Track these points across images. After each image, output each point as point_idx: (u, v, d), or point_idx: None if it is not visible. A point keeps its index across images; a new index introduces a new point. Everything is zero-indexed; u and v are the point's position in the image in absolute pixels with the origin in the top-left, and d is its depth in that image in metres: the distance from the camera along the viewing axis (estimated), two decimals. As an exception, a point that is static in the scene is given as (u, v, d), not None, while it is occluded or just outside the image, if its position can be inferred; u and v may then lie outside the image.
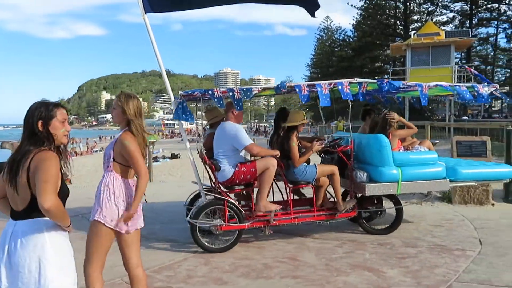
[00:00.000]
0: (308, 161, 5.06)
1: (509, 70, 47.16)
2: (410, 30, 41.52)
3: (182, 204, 5.39)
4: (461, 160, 5.86)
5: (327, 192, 5.21)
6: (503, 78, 52.96)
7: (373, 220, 5.40)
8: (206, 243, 4.61)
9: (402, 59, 39.51)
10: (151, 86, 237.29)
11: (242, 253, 4.58)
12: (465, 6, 42.62)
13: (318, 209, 4.96)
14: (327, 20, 57.58)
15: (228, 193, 4.78)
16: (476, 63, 38.64)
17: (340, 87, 4.69)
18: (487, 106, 49.59)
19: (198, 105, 5.79)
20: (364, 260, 4.27)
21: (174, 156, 22.70)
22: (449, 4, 42.33)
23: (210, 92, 4.74)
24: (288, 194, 4.96)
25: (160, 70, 5.17)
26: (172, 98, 4.99)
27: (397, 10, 45.54)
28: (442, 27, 34.03)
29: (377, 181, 4.86)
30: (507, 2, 40.58)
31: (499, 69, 53.12)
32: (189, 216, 4.63)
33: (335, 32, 56.97)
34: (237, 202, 4.83)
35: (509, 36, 43.36)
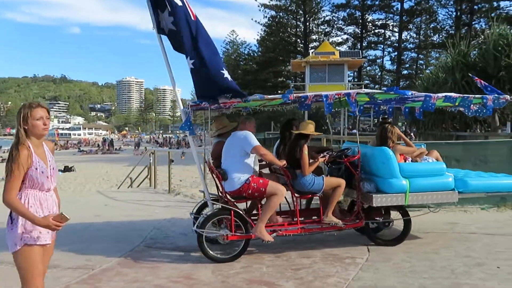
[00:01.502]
0: (319, 172, 5.07)
1: (393, 89, 52.58)
2: (309, 48, 44.17)
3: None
4: (470, 172, 5.79)
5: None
6: (388, 97, 59.05)
7: (381, 231, 5.34)
8: (213, 253, 4.56)
9: (302, 75, 41.82)
10: (43, 92, 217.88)
11: (132, 276, 4.23)
12: (357, 30, 46.78)
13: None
14: (232, 34, 58.62)
15: (234, 203, 4.72)
16: (366, 81, 42.48)
17: (347, 98, 4.68)
18: (375, 121, 54.65)
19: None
20: (261, 274, 4.22)
21: (67, 169, 20.91)
22: (343, 27, 46.12)
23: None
24: (295, 204, 4.89)
25: (172, 86, 5.26)
26: (181, 107, 4.99)
27: (297, 29, 48.21)
28: (338, 47, 36.84)
29: (385, 192, 4.84)
30: (391, 29, 45.41)
31: (384, 88, 59.07)
32: (195, 225, 4.57)
33: (240, 46, 58.16)
34: (244, 212, 4.75)
35: (393, 59, 48.57)
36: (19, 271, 2.50)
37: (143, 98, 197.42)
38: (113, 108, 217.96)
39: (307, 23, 46.65)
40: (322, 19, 48.27)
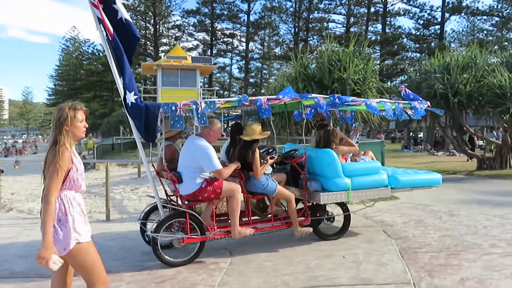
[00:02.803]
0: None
1: (241, 96, 55.49)
2: (160, 52, 43.34)
3: None
4: (396, 169, 6.12)
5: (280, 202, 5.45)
6: (237, 103, 62.08)
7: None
8: (168, 257, 4.52)
9: (153, 78, 40.73)
10: None
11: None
12: (207, 37, 47.88)
13: (275, 219, 5.14)
14: (73, 30, 53.65)
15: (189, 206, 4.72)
16: (217, 88, 43.79)
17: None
18: (225, 126, 56.70)
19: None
20: (121, 293, 3.87)
21: None
22: (193, 33, 46.66)
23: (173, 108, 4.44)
24: (248, 204, 5.02)
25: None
26: None
27: (147, 31, 46.85)
28: (189, 53, 37.03)
29: (330, 190, 5.07)
30: (239, 38, 47.81)
31: (233, 95, 61.87)
32: (150, 229, 4.53)
33: (83, 44, 53.62)
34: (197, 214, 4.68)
35: (241, 67, 51.24)
36: (81, 270, 2.54)
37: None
38: None
39: (157, 26, 45.80)
40: (173, 23, 48.09)
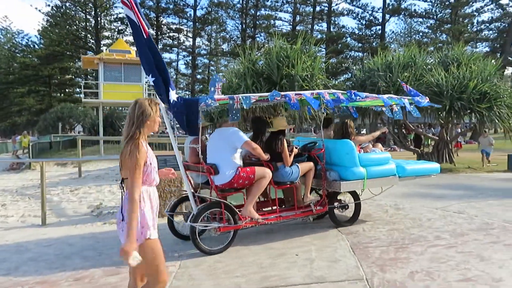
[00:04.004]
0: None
1: (188, 93, 54.51)
2: (102, 45, 41.47)
3: None
4: (398, 160, 6.45)
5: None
6: (184, 99, 61.08)
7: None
8: (206, 246, 4.72)
9: (94, 73, 38.88)
10: None
11: None
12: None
13: (298, 207, 5.42)
14: (5, 20, 49.90)
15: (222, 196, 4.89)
16: (163, 84, 42.61)
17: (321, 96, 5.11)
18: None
19: None
20: (58, 305, 3.51)
21: None
22: (138, 27, 45.00)
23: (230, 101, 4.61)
24: (275, 194, 5.41)
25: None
26: None
27: (87, 23, 44.62)
28: (133, 47, 35.66)
29: (348, 179, 5.41)
30: (185, 34, 46.88)
31: (180, 91, 60.75)
32: (189, 219, 4.72)
33: (16, 35, 50.07)
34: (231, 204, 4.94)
35: (188, 63, 50.34)
36: (144, 266, 2.55)
37: None
38: None
39: (99, 18, 43.70)
40: (115, 15, 46.11)
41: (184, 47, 49.20)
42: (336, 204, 5.81)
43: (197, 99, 4.66)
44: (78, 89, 49.32)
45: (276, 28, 42.66)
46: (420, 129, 19.82)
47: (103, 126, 23.21)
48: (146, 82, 25.35)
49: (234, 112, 4.67)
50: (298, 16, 45.57)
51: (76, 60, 44.70)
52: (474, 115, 13.49)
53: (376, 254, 4.58)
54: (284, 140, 5.24)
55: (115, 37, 43.49)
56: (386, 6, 41.54)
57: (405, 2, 42.13)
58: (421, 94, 6.27)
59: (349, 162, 5.51)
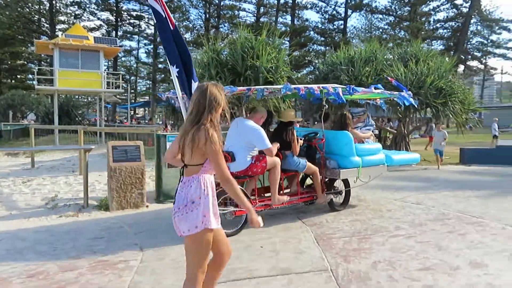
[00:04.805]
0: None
1: (149, 82, 53.22)
2: (57, 30, 39.56)
3: None
4: (385, 150, 6.90)
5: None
6: (144, 89, 59.48)
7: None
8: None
9: (48, 59, 37.04)
10: None
11: None
12: (111, 17, 44.77)
13: (302, 193, 5.93)
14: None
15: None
16: (122, 72, 41.28)
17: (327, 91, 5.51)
18: (132, 113, 54.11)
19: None
20: (9, 304, 3.28)
21: None
22: (96, 12, 43.23)
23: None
24: (281, 181, 5.63)
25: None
26: None
27: (41, 6, 42.31)
28: (90, 33, 34.22)
29: (345, 167, 5.85)
30: (147, 21, 45.55)
31: (141, 80, 59.19)
32: None
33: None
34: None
35: (149, 52, 49.01)
36: (191, 254, 2.53)
37: None
38: None
39: (54, 1, 41.52)
40: (72, -1, 43.96)
41: (145, 35, 47.84)
42: (333, 190, 6.30)
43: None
44: (30, 76, 46.88)
45: (240, 19, 42.27)
46: (378, 123, 20.39)
47: (58, 115, 22.16)
48: (105, 70, 24.42)
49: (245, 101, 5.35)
50: (262, 7, 45.43)
51: (29, 45, 42.33)
52: (430, 110, 14.02)
53: (339, 245, 4.63)
54: (294, 130, 5.65)
55: (71, 21, 41.52)
56: (349, 1, 42.26)
57: (367, -2, 43.05)
58: (405, 88, 6.76)
59: (347, 151, 5.94)
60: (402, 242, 4.74)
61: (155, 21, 4.85)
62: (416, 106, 7.53)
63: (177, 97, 5.46)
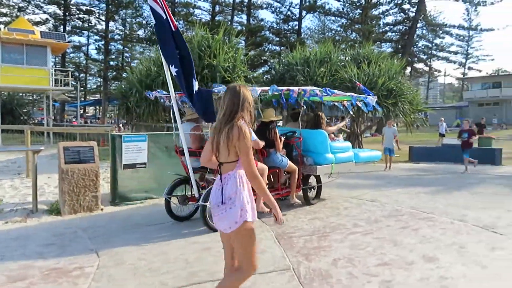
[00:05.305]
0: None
1: (100, 79, 51.29)
2: (-1, 23, 37.19)
3: None
4: (353, 148, 7.34)
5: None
6: (95, 87, 57.27)
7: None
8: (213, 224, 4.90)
9: (-11, 54, 34.67)
10: None
11: None
12: (59, 11, 42.66)
13: (282, 188, 6.24)
14: None
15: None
16: (71, 69, 39.46)
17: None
18: (82, 111, 51.95)
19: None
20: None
21: None
22: (42, 5, 40.99)
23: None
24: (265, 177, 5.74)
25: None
26: None
27: (-20, -3, 39.46)
28: (36, 27, 32.46)
29: (321, 164, 6.31)
30: (97, 16, 43.84)
31: (91, 78, 56.91)
32: (201, 199, 5.08)
33: None
34: None
35: (100, 48, 47.19)
36: (239, 247, 2.58)
37: None
38: None
39: (-5, -8, 38.90)
40: (15, -9, 41.40)
41: (95, 30, 45.96)
42: (307, 186, 6.76)
43: (211, 90, 5.23)
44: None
45: (195, 17, 41.77)
46: (332, 122, 20.93)
47: (1, 114, 20.83)
48: (52, 67, 23.26)
49: None
50: (217, 6, 45.13)
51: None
52: (381, 109, 14.59)
53: (300, 244, 4.69)
54: (276, 129, 5.95)
55: (14, 14, 39.14)
56: (303, 2, 42.98)
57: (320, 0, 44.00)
58: (371, 93, 7.19)
59: (323, 149, 6.40)
60: (360, 239, 4.88)
61: (154, 22, 5.07)
62: (379, 109, 7.95)
63: (167, 96, 5.71)
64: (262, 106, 8.60)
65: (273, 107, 7.63)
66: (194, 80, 5.02)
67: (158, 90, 6.21)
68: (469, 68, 61.26)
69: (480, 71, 60.78)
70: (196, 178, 5.66)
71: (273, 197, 5.32)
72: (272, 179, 6.49)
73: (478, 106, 46.10)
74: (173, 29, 4.95)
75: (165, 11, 4.94)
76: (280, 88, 5.77)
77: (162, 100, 6.20)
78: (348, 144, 7.17)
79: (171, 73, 5.22)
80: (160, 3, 4.93)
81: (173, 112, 5.64)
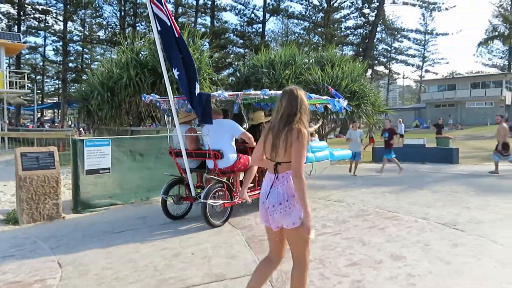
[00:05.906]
0: None
1: (59, 82, 49.43)
2: None
3: None
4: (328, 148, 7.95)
5: None
6: (53, 89, 55.12)
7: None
8: (213, 220, 5.47)
9: None
10: None
11: None
12: (13, 10, 40.78)
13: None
14: None
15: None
16: (27, 71, 37.76)
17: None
18: (39, 115, 49.80)
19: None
20: None
21: None
22: (-6, 4, 39.02)
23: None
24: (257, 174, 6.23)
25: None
26: None
27: None
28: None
29: None
30: (55, 16, 42.23)
31: (49, 80, 54.73)
32: (202, 197, 5.33)
33: None
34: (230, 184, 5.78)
35: (58, 50, 45.47)
36: (296, 248, 2.70)
37: None
38: None
39: None
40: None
41: (53, 31, 44.25)
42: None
43: (209, 94, 5.45)
44: None
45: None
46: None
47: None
48: (6, 68, 22.15)
49: (237, 105, 5.70)
50: (180, 7, 44.66)
51: None
52: (345, 111, 14.90)
53: (271, 247, 4.67)
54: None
55: (-36, 13, 37.04)
56: (267, 5, 43.31)
57: (284, 3, 44.50)
58: (341, 96, 7.48)
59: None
60: (330, 239, 4.93)
61: (158, 28, 5.31)
62: (349, 111, 8.43)
63: (164, 100, 5.98)
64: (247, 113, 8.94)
65: (260, 109, 7.85)
66: (196, 83, 5.30)
67: (152, 94, 6.33)
68: (426, 71, 63.89)
69: (436, 73, 63.48)
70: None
71: (256, 195, 5.19)
72: (258, 178, 6.50)
73: (435, 108, 48.06)
74: (177, 35, 5.25)
75: (169, 18, 5.23)
76: (270, 92, 5.82)
77: (158, 104, 6.25)
78: (325, 143, 7.75)
79: (170, 78, 5.63)
80: (164, 10, 5.22)
81: (167, 114, 6.20)
